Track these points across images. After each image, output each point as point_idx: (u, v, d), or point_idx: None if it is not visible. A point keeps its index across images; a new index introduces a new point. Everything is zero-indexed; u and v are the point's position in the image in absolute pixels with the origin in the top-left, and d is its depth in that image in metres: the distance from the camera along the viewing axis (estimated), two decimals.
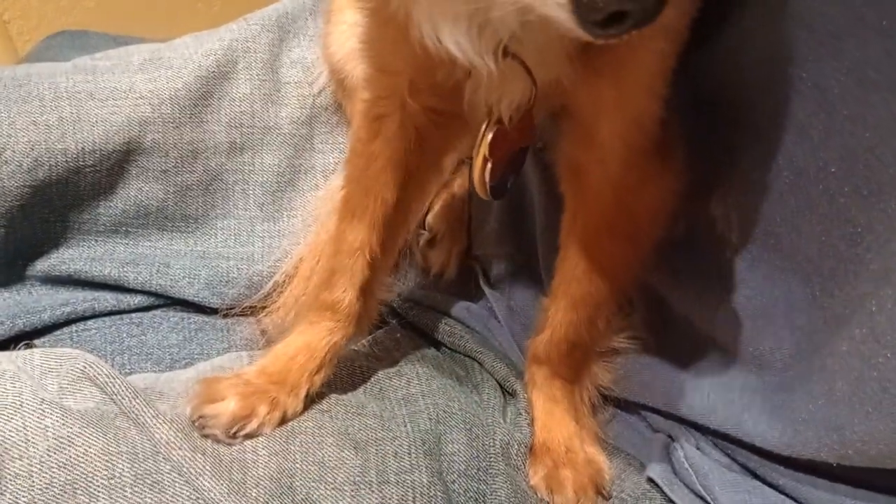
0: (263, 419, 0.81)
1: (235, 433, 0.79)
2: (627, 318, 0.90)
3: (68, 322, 1.03)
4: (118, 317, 1.05)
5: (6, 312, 1.00)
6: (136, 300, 1.06)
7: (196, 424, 0.78)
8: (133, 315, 1.06)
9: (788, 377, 0.76)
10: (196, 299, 1.07)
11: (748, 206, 0.79)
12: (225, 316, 1.08)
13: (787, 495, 0.78)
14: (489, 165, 0.78)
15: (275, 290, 1.08)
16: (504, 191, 0.81)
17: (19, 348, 0.97)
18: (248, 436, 0.79)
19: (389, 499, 0.76)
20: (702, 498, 0.80)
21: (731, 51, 0.78)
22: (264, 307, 1.08)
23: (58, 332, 1.03)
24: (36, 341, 1.01)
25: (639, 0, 0.49)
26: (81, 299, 1.04)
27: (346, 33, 1.07)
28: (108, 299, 1.05)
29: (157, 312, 1.07)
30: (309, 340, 0.88)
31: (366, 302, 0.90)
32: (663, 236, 0.83)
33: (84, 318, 1.04)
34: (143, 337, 1.04)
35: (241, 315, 1.08)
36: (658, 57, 0.73)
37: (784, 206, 0.75)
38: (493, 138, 0.76)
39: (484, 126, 0.77)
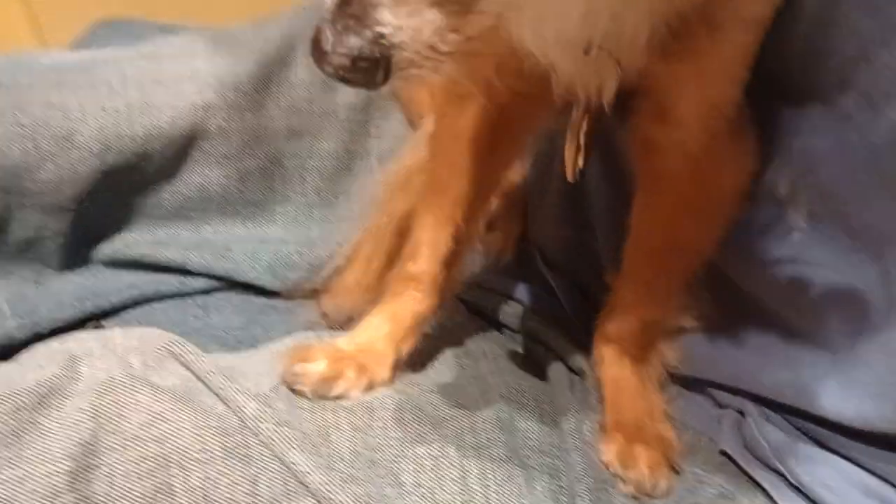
0: (351, 383, 0.83)
1: (324, 393, 0.81)
2: (694, 298, 0.91)
3: (134, 304, 1.06)
4: (182, 299, 1.08)
5: (75, 295, 1.02)
6: (199, 283, 1.09)
7: (287, 380, 0.81)
8: (197, 297, 1.09)
9: (860, 352, 0.78)
10: (258, 282, 1.09)
11: (819, 185, 0.80)
12: (286, 299, 1.10)
13: (861, 467, 0.79)
14: (582, 152, 0.80)
15: (335, 273, 1.10)
16: (584, 173, 0.83)
17: (88, 329, 0.99)
18: (336, 397, 0.81)
19: (469, 472, 0.77)
20: (775, 471, 0.82)
21: (802, 35, 0.80)
22: (325, 290, 1.10)
23: (124, 314, 1.05)
24: (104, 323, 1.03)
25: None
26: (147, 282, 1.07)
27: None
28: (171, 282, 1.08)
29: (220, 295, 1.10)
30: (395, 311, 0.90)
31: (448, 273, 0.92)
32: (734, 217, 0.85)
33: (149, 301, 1.06)
34: (207, 319, 1.06)
35: (301, 298, 1.10)
36: (738, 47, 0.75)
37: (857, 184, 0.77)
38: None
39: (577, 114, 0.79)
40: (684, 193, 0.82)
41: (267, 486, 0.72)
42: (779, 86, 0.83)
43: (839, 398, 0.78)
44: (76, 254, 1.05)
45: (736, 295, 0.90)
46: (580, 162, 0.81)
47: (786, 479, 0.80)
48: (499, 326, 1.06)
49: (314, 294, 1.10)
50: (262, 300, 1.10)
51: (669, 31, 0.71)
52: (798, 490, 0.79)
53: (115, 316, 1.05)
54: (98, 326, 1.01)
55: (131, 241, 1.07)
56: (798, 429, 0.85)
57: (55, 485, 0.67)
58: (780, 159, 0.83)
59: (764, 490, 0.81)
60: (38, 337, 0.98)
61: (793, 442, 0.83)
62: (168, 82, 1.04)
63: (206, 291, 1.09)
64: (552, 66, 0.74)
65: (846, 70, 0.76)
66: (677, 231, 0.84)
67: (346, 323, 1.06)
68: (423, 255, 0.90)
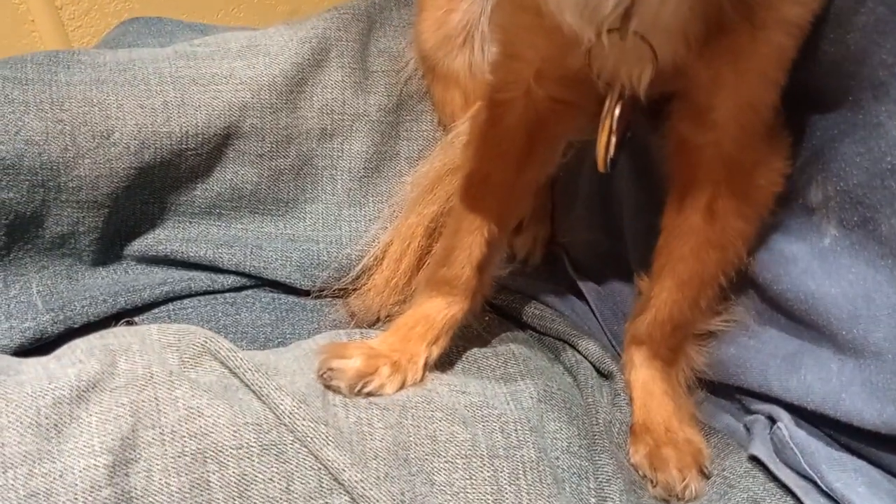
0: (385, 380, 0.84)
1: (359, 389, 0.82)
2: (724, 302, 0.92)
3: (165, 301, 1.06)
4: (212, 296, 1.09)
5: (107, 290, 1.03)
6: (230, 280, 1.10)
7: (323, 377, 0.82)
8: (227, 295, 1.09)
9: (885, 358, 0.78)
10: (288, 281, 1.10)
11: (849, 192, 0.80)
12: (315, 297, 1.11)
13: (890, 473, 0.80)
14: (614, 139, 0.80)
15: (363, 273, 1.11)
16: (616, 165, 0.83)
17: (120, 325, 1.00)
18: (370, 394, 0.83)
19: (500, 472, 0.78)
20: (806, 477, 0.82)
21: (835, 40, 0.80)
22: (354, 289, 1.10)
23: (156, 311, 1.06)
24: (135, 319, 1.04)
25: None
26: (178, 279, 1.07)
27: (440, 20, 1.09)
28: (202, 279, 1.09)
29: (249, 293, 1.10)
30: (427, 313, 0.92)
31: (481, 278, 0.93)
32: (767, 220, 0.86)
33: (180, 298, 1.07)
34: (237, 316, 1.07)
35: (330, 297, 1.11)
36: (777, 49, 0.75)
37: (885, 191, 0.77)
38: (619, 114, 0.80)
39: (610, 101, 0.79)
40: (719, 194, 0.83)
41: (302, 483, 0.73)
42: (811, 92, 0.83)
43: (863, 403, 0.79)
44: (109, 250, 1.06)
45: (765, 300, 0.90)
46: (612, 150, 0.81)
47: (816, 484, 0.81)
48: (527, 329, 1.06)
49: (343, 293, 1.11)
50: (291, 298, 1.11)
51: (710, 28, 0.72)
52: (828, 496, 0.80)
53: (147, 312, 1.05)
54: (130, 322, 1.02)
55: (163, 237, 1.08)
56: (828, 435, 0.85)
57: (94, 478, 0.67)
58: (812, 166, 0.84)
59: (794, 495, 0.81)
60: (71, 332, 0.99)
61: (824, 448, 0.83)
62: (205, 82, 1.05)
63: (236, 289, 1.10)
64: (589, 52, 0.75)
65: (880, 75, 0.76)
66: (710, 233, 0.85)
67: (373, 323, 1.07)
68: (458, 259, 0.91)
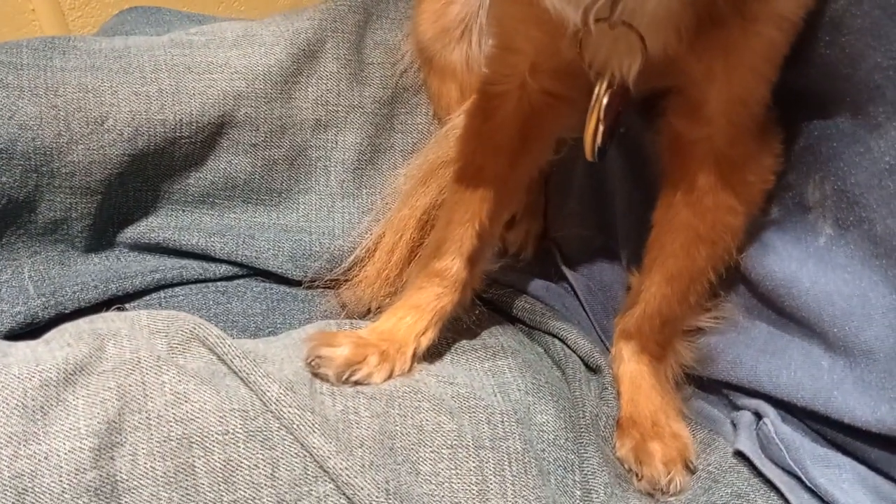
0: (373, 369, 0.85)
1: (347, 377, 0.82)
2: (713, 299, 0.92)
3: (157, 288, 1.07)
4: (204, 285, 1.09)
5: (99, 277, 1.03)
6: (221, 269, 1.10)
7: (311, 364, 0.82)
8: (218, 283, 1.10)
9: (878, 357, 0.78)
10: (280, 271, 1.10)
11: (846, 191, 0.81)
12: (306, 288, 1.11)
13: (877, 471, 0.80)
14: (601, 128, 0.80)
15: (355, 264, 1.11)
16: (605, 155, 0.83)
17: (111, 312, 1.00)
18: (357, 382, 0.83)
19: (486, 463, 0.78)
20: (790, 473, 0.82)
21: (832, 42, 0.80)
22: (345, 280, 1.11)
23: (147, 298, 1.06)
24: (126, 306, 1.04)
25: None
26: (170, 266, 1.08)
27: (438, 12, 1.09)
28: (194, 267, 1.09)
29: (241, 282, 1.11)
30: (417, 303, 0.92)
31: (471, 270, 0.93)
32: (758, 218, 0.86)
33: (171, 285, 1.07)
34: (228, 305, 1.07)
35: (322, 287, 1.11)
36: (768, 43, 0.75)
37: (882, 191, 0.77)
38: (608, 103, 0.79)
39: (599, 89, 0.79)
40: (709, 190, 0.83)
41: (287, 470, 0.73)
42: (808, 93, 0.83)
43: (856, 401, 0.79)
44: (101, 236, 1.06)
45: (755, 295, 0.90)
46: (599, 139, 0.81)
47: (801, 480, 0.81)
48: (517, 323, 1.06)
49: (334, 284, 1.12)
50: (282, 288, 1.11)
51: (701, 20, 0.72)
52: (813, 492, 0.80)
53: (138, 299, 1.06)
54: (120, 309, 1.02)
55: (156, 225, 1.08)
56: (815, 431, 0.85)
57: (79, 461, 0.68)
58: (810, 166, 0.84)
59: (779, 491, 0.81)
60: (61, 317, 0.99)
61: (809, 444, 0.83)
62: (200, 70, 1.05)
63: (227, 278, 1.10)
64: (578, 40, 0.75)
65: (875, 78, 0.76)
66: (700, 228, 0.85)
67: (364, 314, 1.07)
68: (449, 251, 0.92)
